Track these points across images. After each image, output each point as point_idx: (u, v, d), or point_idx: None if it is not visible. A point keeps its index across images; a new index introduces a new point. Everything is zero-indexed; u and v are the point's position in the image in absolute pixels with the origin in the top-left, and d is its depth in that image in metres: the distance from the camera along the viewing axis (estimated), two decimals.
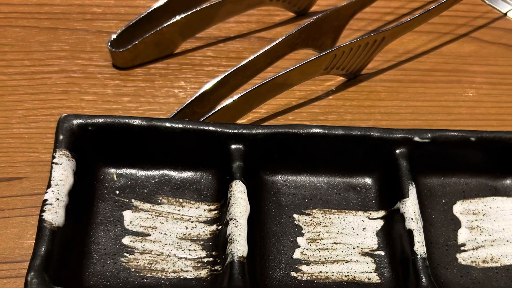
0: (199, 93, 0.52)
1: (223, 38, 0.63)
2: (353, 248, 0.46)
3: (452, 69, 0.62)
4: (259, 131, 0.47)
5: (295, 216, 0.48)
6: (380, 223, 0.48)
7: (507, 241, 0.48)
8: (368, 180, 0.50)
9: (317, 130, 0.48)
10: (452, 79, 0.61)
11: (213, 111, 0.51)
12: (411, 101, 0.59)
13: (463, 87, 0.61)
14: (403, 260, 0.45)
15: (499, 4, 0.68)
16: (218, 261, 0.44)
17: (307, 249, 0.46)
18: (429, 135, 0.48)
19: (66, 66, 0.58)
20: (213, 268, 0.44)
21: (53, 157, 0.44)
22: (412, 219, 0.45)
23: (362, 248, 0.47)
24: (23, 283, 0.39)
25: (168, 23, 0.58)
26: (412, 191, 0.46)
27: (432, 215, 0.49)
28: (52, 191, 0.42)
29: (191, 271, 0.44)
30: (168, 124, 0.47)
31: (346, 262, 0.46)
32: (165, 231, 0.46)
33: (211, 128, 0.47)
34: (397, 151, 0.48)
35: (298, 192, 0.49)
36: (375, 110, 0.58)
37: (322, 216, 0.48)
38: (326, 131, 0.48)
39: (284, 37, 0.56)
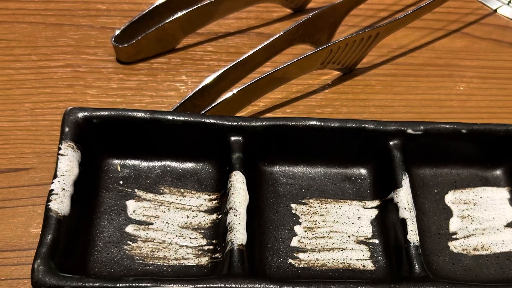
0: (200, 86, 0.52)
1: (223, 34, 0.63)
2: (349, 237, 0.46)
3: (444, 63, 0.62)
4: (258, 123, 0.47)
5: (293, 205, 0.48)
6: (375, 212, 0.48)
7: (497, 229, 0.48)
8: (363, 171, 0.50)
9: (314, 123, 0.47)
10: (444, 73, 0.61)
11: (213, 104, 0.51)
12: (405, 95, 0.59)
13: (454, 81, 0.61)
14: (396, 248, 0.45)
15: (490, 1, 0.68)
16: (218, 249, 0.44)
17: (304, 238, 0.46)
18: (422, 127, 0.48)
19: (71, 61, 0.58)
20: (213, 256, 0.44)
21: (59, 149, 0.44)
22: (405, 208, 0.45)
23: (357, 237, 0.46)
24: (30, 270, 0.38)
25: (170, 19, 0.58)
26: (406, 181, 0.46)
27: (425, 204, 0.48)
28: (58, 181, 0.42)
29: (192, 259, 0.44)
30: (170, 117, 0.46)
31: (342, 250, 0.46)
32: (167, 220, 0.46)
33: (212, 121, 0.47)
34: (391, 142, 0.48)
35: (295, 182, 0.49)
36: (370, 103, 0.58)
37: (319, 206, 0.48)
38: (322, 124, 0.48)
39: (281, 33, 0.55)
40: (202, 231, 0.45)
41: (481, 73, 0.62)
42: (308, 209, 0.48)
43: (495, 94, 0.60)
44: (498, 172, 0.50)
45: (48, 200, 0.41)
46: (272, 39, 0.55)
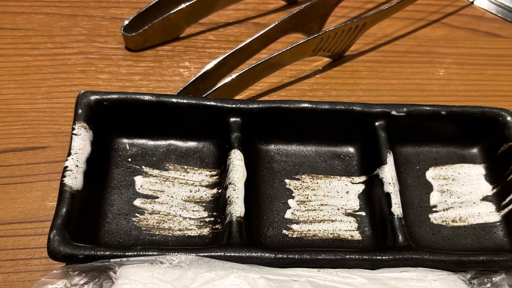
0: (201, 72, 0.51)
1: (223, 23, 0.62)
2: (338, 209, 0.46)
3: (425, 51, 0.62)
4: (255, 105, 0.47)
5: (287, 180, 0.47)
6: (362, 187, 0.47)
7: (474, 203, 0.47)
8: (351, 149, 0.49)
9: (306, 105, 0.47)
10: (425, 60, 0.61)
11: (214, 88, 0.51)
12: (389, 80, 0.59)
13: (434, 67, 0.60)
14: (381, 220, 0.44)
15: None
16: (219, 220, 0.44)
17: (297, 210, 0.46)
18: (405, 109, 0.48)
19: (84, 49, 0.58)
20: (214, 227, 0.44)
21: (73, 129, 0.44)
22: (389, 183, 0.44)
23: (345, 209, 0.46)
24: (46, 240, 0.38)
25: (175, 10, 0.57)
26: (390, 158, 0.46)
27: (408, 180, 0.48)
28: (72, 158, 0.42)
29: (194, 230, 0.44)
30: (174, 100, 0.46)
31: (332, 222, 0.45)
32: (172, 194, 0.45)
33: (212, 103, 0.46)
34: (377, 123, 0.47)
35: (289, 159, 0.48)
36: (357, 88, 0.57)
37: (310, 181, 0.47)
38: (313, 106, 0.47)
39: (276, 23, 0.55)
40: (204, 204, 0.45)
41: (459, 60, 0.61)
42: (300, 184, 0.47)
43: (472, 79, 0.60)
44: (475, 150, 0.50)
45: (63, 176, 0.41)
46: (267, 28, 0.54)
